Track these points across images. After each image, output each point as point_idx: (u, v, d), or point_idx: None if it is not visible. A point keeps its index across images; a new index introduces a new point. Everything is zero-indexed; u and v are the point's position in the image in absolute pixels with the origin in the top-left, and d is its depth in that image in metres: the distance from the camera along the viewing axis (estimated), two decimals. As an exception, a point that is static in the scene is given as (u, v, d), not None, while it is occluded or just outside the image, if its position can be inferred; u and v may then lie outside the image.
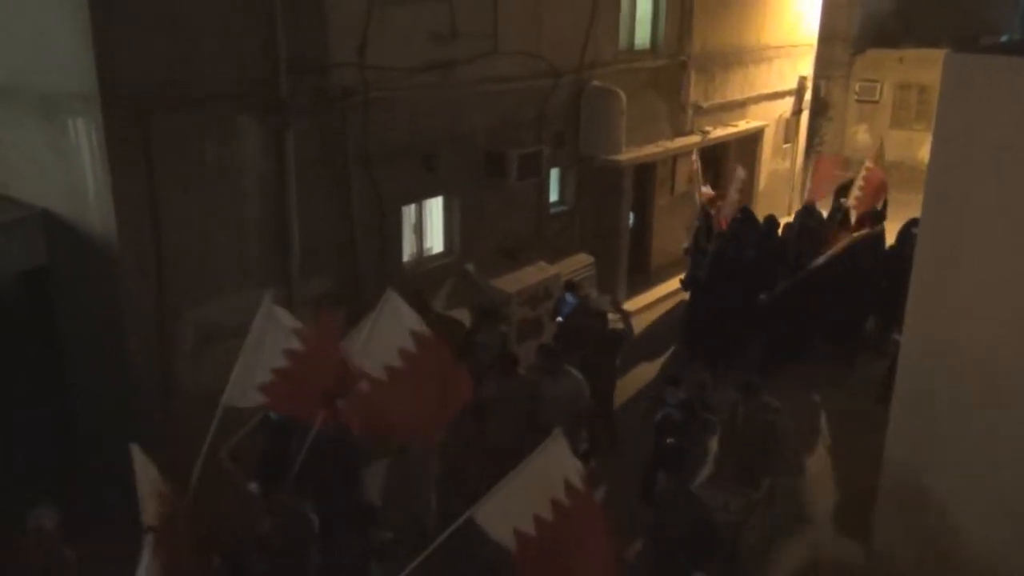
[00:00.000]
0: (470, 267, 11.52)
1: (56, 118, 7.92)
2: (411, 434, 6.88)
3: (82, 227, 8.12)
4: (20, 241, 8.24)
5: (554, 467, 5.30)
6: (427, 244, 11.46)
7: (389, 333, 6.39)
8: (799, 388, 11.30)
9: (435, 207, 11.38)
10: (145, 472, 5.66)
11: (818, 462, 10.10)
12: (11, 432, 8.17)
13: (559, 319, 11.02)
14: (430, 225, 11.44)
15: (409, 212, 10.96)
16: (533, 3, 11.70)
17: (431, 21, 10.32)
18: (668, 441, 8.24)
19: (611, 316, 10.63)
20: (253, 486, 7.06)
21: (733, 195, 14.41)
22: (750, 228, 13.23)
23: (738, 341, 12.06)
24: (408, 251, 11.06)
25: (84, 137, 7.78)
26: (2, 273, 8.18)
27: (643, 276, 15.08)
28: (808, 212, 14.45)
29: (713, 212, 13.74)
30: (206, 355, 8.73)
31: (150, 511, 5.49)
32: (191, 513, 5.95)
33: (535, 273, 12.00)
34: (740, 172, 14.94)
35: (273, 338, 6.16)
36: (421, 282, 10.99)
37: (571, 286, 11.20)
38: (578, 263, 12.97)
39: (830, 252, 12.07)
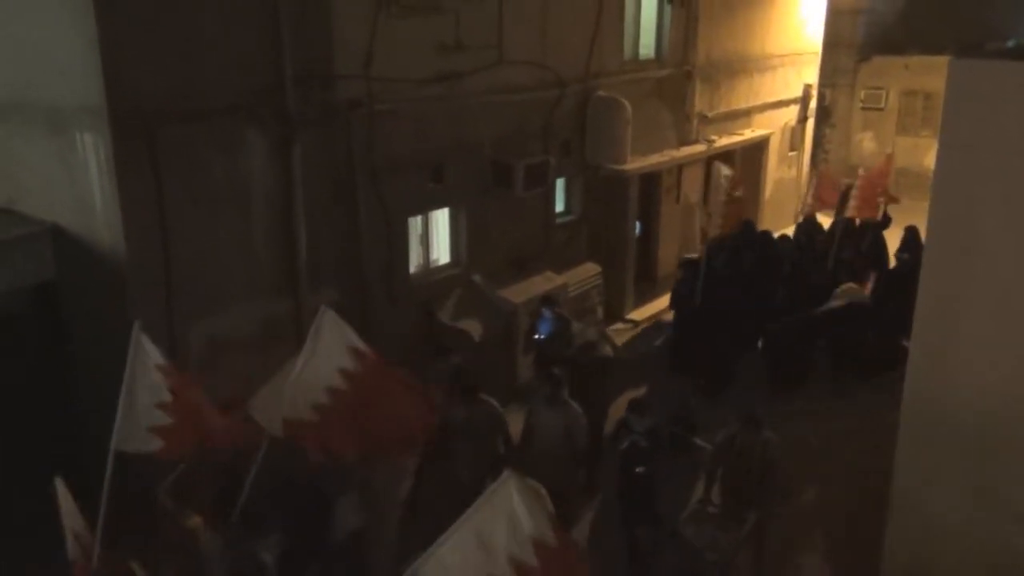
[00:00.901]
0: (477, 278, 11.53)
1: (64, 132, 7.96)
2: (376, 455, 6.32)
3: (90, 241, 8.16)
4: (28, 256, 8.26)
5: (508, 520, 4.19)
6: (434, 255, 11.47)
7: (329, 353, 5.80)
8: (802, 403, 11.19)
9: (441, 218, 11.40)
10: (67, 508, 5.41)
11: (820, 483, 9.76)
12: (19, 445, 8.18)
13: (537, 336, 10.65)
14: (437, 236, 11.46)
15: (416, 223, 10.98)
16: (538, 14, 11.75)
17: (436, 33, 10.36)
18: (637, 470, 7.88)
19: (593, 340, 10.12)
20: (197, 522, 6.63)
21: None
22: (749, 240, 13.13)
23: (734, 359, 11.82)
24: (415, 262, 11.08)
25: (92, 151, 7.81)
26: (11, 288, 8.21)
27: (649, 285, 15.09)
28: (809, 225, 14.37)
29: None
30: (214, 367, 8.73)
31: (72, 547, 5.33)
32: (102, 558, 5.55)
33: (542, 283, 12.00)
34: (724, 170, 14.18)
35: (147, 371, 5.54)
36: (428, 293, 11.01)
37: (548, 301, 10.83)
38: (585, 273, 12.97)
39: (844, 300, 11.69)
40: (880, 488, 9.18)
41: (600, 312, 13.07)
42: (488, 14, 10.98)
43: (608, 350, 10.22)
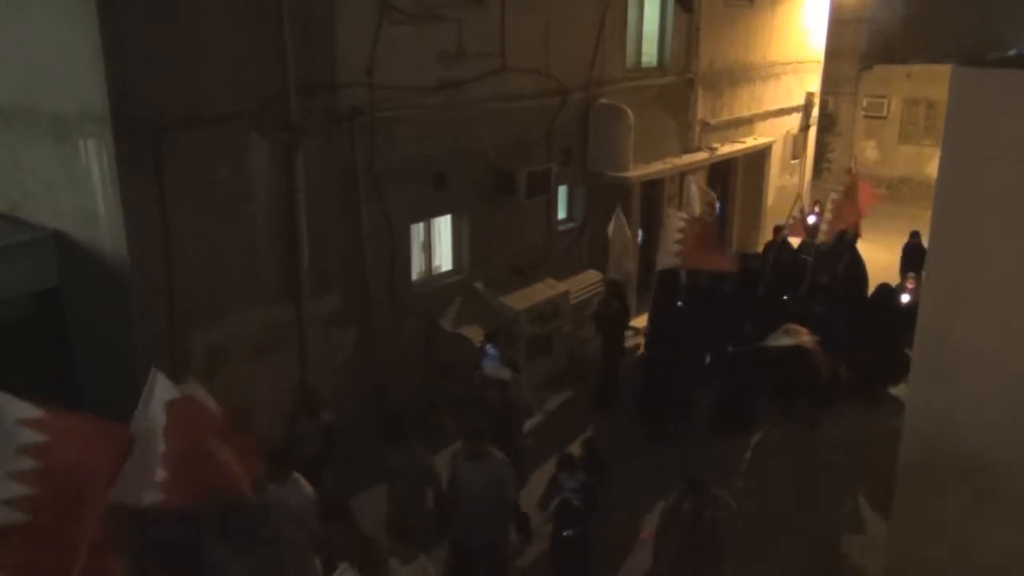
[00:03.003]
0: (479, 285, 11.53)
1: (67, 139, 7.98)
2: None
3: (93, 248, 8.17)
4: (31, 262, 8.28)
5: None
6: (436, 262, 11.48)
7: (157, 416, 5.19)
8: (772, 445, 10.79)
9: (444, 225, 11.41)
10: None
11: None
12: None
13: (479, 371, 9.79)
14: (439, 243, 11.47)
15: (418, 230, 10.99)
16: (541, 22, 11.76)
17: (439, 41, 10.39)
18: (565, 533, 7.27)
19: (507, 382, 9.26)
20: None
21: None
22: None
23: (689, 394, 11.04)
24: (417, 269, 11.08)
25: (95, 158, 7.83)
26: (14, 294, 8.22)
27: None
28: (781, 245, 13.96)
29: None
30: (216, 372, 8.74)
31: None
32: None
33: (544, 290, 12.01)
34: (694, 189, 13.65)
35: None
36: (430, 300, 11.02)
37: (491, 337, 10.27)
38: (587, 280, 12.97)
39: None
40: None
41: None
42: (490, 22, 11.00)
43: (521, 395, 9.39)
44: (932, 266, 6.98)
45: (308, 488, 6.95)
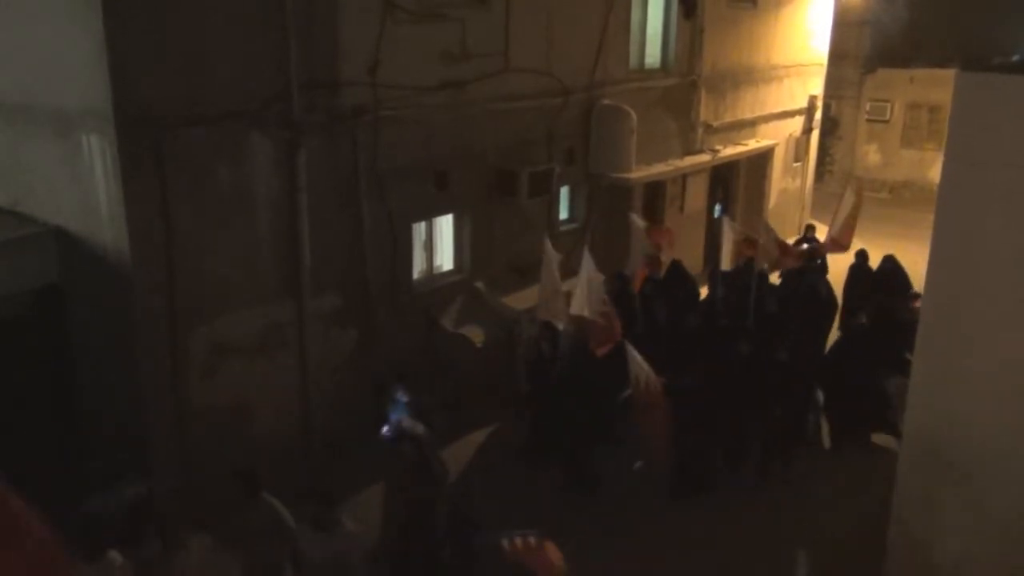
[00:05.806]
0: (480, 285, 11.52)
1: (70, 136, 7.98)
2: None
3: (95, 244, 8.16)
4: (32, 258, 8.27)
5: None
6: (437, 261, 11.48)
7: None
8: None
9: (445, 224, 11.40)
10: None
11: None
12: (23, 447, 8.17)
13: (385, 431, 8.41)
14: (440, 242, 11.46)
15: (419, 229, 10.98)
16: (544, 22, 11.76)
17: (443, 40, 10.38)
18: None
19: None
20: None
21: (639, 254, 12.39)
22: (676, 288, 12.14)
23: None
24: (418, 268, 11.07)
25: (97, 155, 7.82)
26: (14, 290, 8.21)
27: (653, 294, 15.02)
28: (747, 269, 12.48)
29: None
30: (217, 371, 8.74)
31: None
32: None
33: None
34: (637, 221, 12.80)
35: None
36: (431, 299, 11.01)
37: (401, 378, 8.89)
38: (588, 281, 12.92)
39: None
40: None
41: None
42: (494, 22, 10.99)
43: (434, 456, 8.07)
44: (934, 271, 6.97)
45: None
